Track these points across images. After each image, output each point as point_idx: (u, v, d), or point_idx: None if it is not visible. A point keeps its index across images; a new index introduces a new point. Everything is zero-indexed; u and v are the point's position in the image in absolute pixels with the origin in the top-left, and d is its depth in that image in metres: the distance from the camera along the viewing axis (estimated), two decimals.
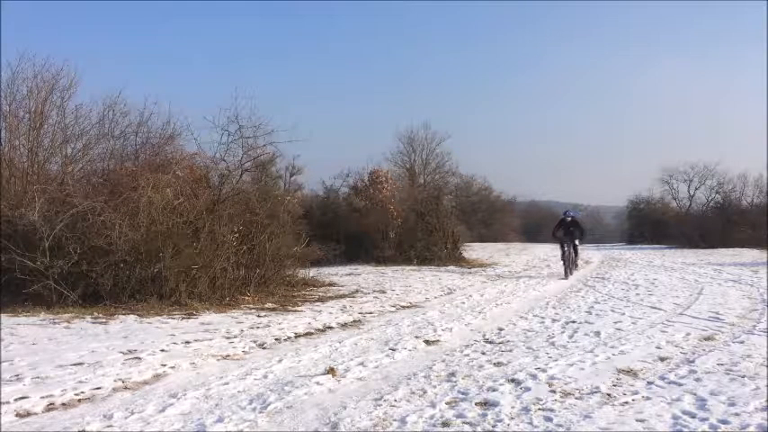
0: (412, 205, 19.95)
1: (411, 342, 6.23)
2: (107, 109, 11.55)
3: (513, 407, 3.98)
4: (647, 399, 4.16)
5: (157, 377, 4.82)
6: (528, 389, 4.41)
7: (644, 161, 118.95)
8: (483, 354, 5.70)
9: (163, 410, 3.89)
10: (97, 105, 11.54)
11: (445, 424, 3.67)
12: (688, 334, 6.57)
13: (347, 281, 12.76)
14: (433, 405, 4.02)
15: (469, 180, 42.73)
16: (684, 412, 3.85)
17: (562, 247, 13.96)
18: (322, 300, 9.71)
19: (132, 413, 3.84)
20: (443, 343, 6.29)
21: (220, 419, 3.72)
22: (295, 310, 8.51)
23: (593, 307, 8.79)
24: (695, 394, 4.24)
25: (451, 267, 16.80)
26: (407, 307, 9.08)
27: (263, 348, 6.00)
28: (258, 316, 7.95)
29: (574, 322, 7.45)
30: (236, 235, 9.84)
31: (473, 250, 22.41)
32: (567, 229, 14.25)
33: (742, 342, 6.13)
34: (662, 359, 5.38)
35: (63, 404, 4.06)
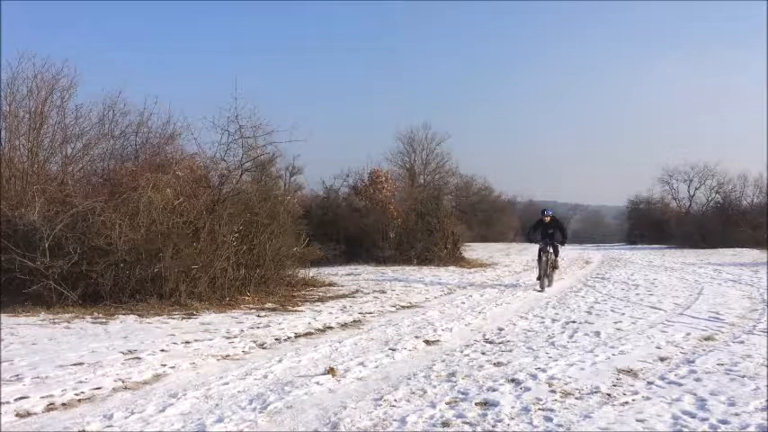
0: (412, 205, 19.94)
1: (411, 342, 6.23)
2: (107, 109, 11.57)
3: (513, 407, 3.98)
4: (647, 399, 4.16)
5: (157, 377, 4.82)
6: (528, 389, 4.41)
7: (644, 161, 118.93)
8: (483, 354, 5.70)
9: (163, 410, 3.89)
10: (97, 105, 11.56)
11: (445, 424, 3.67)
12: (688, 334, 6.57)
13: (347, 281, 12.76)
14: (433, 405, 4.02)
15: (469, 180, 42.74)
16: (684, 412, 3.85)
17: (540, 252, 11.61)
18: (322, 300, 9.71)
19: (132, 413, 3.84)
20: (443, 343, 6.29)
21: (220, 419, 3.72)
22: (295, 310, 8.51)
23: (593, 307, 8.80)
24: (695, 394, 4.24)
25: (451, 267, 16.80)
26: (407, 307, 9.08)
27: (263, 348, 5.99)
28: (258, 316, 7.95)
29: (574, 322, 7.45)
30: (236, 235, 9.84)
31: (473, 250, 22.41)
32: (545, 231, 11.95)
33: (742, 342, 6.13)
34: (662, 359, 5.38)
35: (63, 404, 4.06)
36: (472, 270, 16.29)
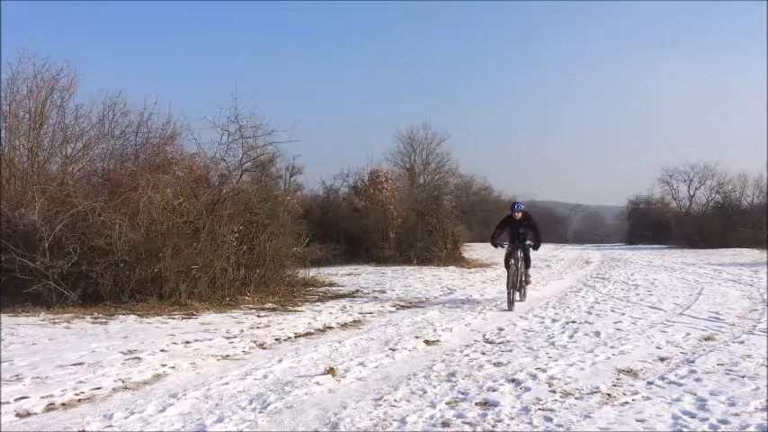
0: (412, 205, 19.92)
1: (411, 342, 6.23)
2: (107, 109, 11.54)
3: (513, 407, 3.98)
4: (647, 399, 4.17)
5: (157, 377, 4.82)
6: (528, 389, 4.41)
7: (644, 161, 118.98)
8: (483, 354, 5.70)
9: (163, 410, 3.89)
10: (97, 105, 11.53)
11: (445, 424, 3.67)
12: (688, 334, 6.57)
13: (347, 281, 12.76)
14: (433, 405, 4.02)
15: (469, 180, 42.71)
16: (684, 412, 3.85)
17: (508, 258, 9.16)
18: (322, 300, 9.71)
19: (132, 413, 3.84)
20: (443, 343, 6.29)
21: (220, 419, 3.72)
22: (295, 310, 8.51)
23: (593, 307, 8.80)
24: (695, 394, 4.24)
25: (451, 267, 16.80)
26: (407, 307, 9.08)
27: (263, 348, 6.00)
28: (258, 316, 7.95)
29: (574, 322, 7.45)
30: (236, 235, 9.84)
31: (473, 250, 22.40)
32: (515, 231, 9.42)
33: (742, 342, 6.13)
34: (662, 359, 5.39)
35: (63, 404, 4.06)
36: (472, 270, 16.28)
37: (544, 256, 23.32)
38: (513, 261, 9.08)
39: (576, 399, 4.17)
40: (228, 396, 4.25)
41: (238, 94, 10.37)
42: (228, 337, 6.41)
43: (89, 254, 8.28)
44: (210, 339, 6.27)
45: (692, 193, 41.35)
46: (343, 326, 7.36)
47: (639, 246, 35.36)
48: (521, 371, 4.95)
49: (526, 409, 3.93)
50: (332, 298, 9.93)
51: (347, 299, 9.88)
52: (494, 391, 4.37)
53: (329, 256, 15.56)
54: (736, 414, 3.81)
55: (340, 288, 11.38)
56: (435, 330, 6.96)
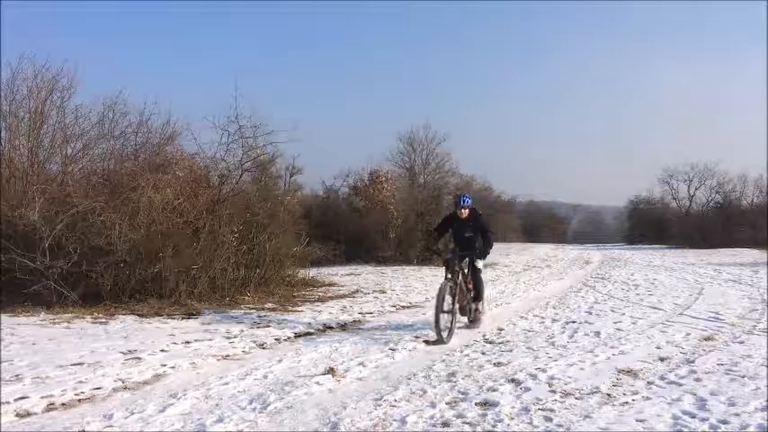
0: (412, 205, 19.93)
1: (411, 342, 6.23)
2: (107, 109, 11.54)
3: (513, 407, 3.98)
4: (647, 399, 4.16)
5: (157, 377, 4.82)
6: (528, 389, 4.41)
7: (644, 161, 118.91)
8: (483, 354, 5.70)
9: (163, 410, 3.89)
10: (97, 105, 11.53)
11: (445, 424, 3.67)
12: (688, 334, 6.57)
13: (347, 281, 12.75)
14: (433, 405, 4.02)
15: (469, 180, 42.70)
16: (684, 412, 3.85)
17: (446, 270, 6.78)
18: (322, 300, 9.71)
19: (132, 413, 3.83)
20: (443, 343, 6.28)
21: (220, 419, 3.72)
22: (295, 310, 8.51)
23: (593, 307, 8.79)
24: (695, 394, 4.24)
25: None
26: (407, 307, 9.07)
27: (263, 348, 5.99)
28: (258, 316, 7.95)
29: (574, 322, 7.44)
30: (236, 235, 9.84)
31: None
32: (459, 234, 7.19)
33: (742, 342, 6.13)
34: (662, 359, 5.38)
35: (63, 404, 4.05)
36: None
37: (544, 255, 23.33)
38: (450, 274, 6.65)
39: (576, 399, 4.17)
40: (228, 396, 4.25)
41: (238, 93, 10.34)
42: (228, 337, 6.41)
43: (89, 254, 8.28)
44: (210, 339, 6.27)
45: (692, 193, 41.43)
46: (343, 326, 7.36)
47: (639, 246, 35.40)
48: (521, 371, 4.95)
49: (526, 410, 3.92)
50: (332, 298, 9.93)
51: (347, 299, 9.88)
52: (494, 391, 4.36)
53: (329, 256, 15.57)
54: (736, 414, 3.81)
55: (340, 288, 11.38)
56: None
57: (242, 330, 6.85)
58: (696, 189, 41.13)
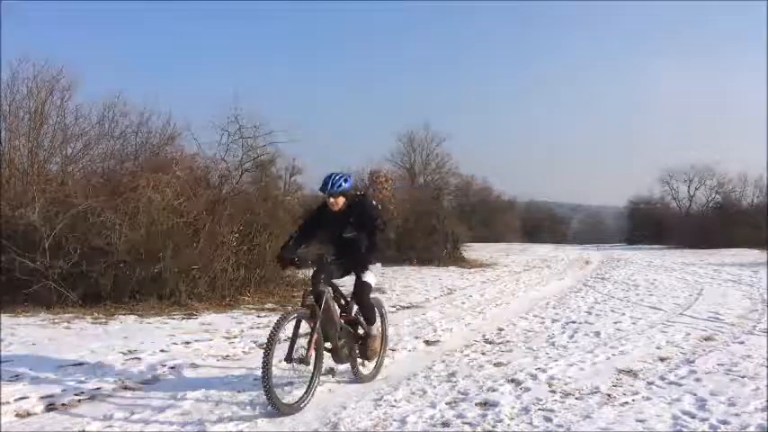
0: (412, 205, 19.93)
1: (411, 342, 6.23)
2: (107, 109, 11.54)
3: (513, 407, 3.99)
4: (647, 399, 4.17)
5: (157, 377, 4.82)
6: (528, 389, 4.41)
7: (644, 161, 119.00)
8: (483, 354, 5.70)
9: (163, 411, 3.89)
10: (97, 105, 11.53)
11: (445, 424, 3.67)
12: (688, 334, 6.58)
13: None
14: (433, 405, 4.02)
15: (469, 180, 42.75)
16: (684, 412, 3.85)
17: (314, 287, 4.43)
18: None
19: (132, 413, 3.83)
20: (443, 343, 6.29)
21: (220, 419, 3.72)
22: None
23: (593, 307, 8.80)
24: (695, 394, 4.25)
25: (451, 267, 16.79)
26: (407, 307, 9.08)
27: (264, 349, 5.98)
28: (258, 316, 7.95)
29: (574, 322, 7.44)
30: (236, 235, 9.83)
31: (473, 250, 22.39)
32: (332, 233, 4.78)
33: (742, 342, 6.13)
34: (662, 359, 5.39)
35: (63, 404, 4.05)
36: (472, 270, 16.28)
37: (544, 256, 23.33)
38: (312, 298, 4.32)
39: (576, 399, 4.18)
40: (228, 396, 4.25)
41: (238, 93, 10.37)
42: (228, 338, 6.41)
43: (89, 254, 8.27)
44: (210, 339, 6.27)
45: (692, 193, 41.44)
46: None
47: (639, 246, 35.38)
48: (521, 371, 4.95)
49: (526, 410, 3.93)
50: None
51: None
52: (494, 391, 4.37)
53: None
54: (736, 414, 3.81)
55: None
56: (435, 330, 6.96)
57: (242, 330, 6.85)
58: (696, 189, 41.16)
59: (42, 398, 4.12)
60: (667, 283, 12.15)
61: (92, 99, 11.67)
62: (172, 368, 5.07)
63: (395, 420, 3.73)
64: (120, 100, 11.62)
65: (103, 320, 7.29)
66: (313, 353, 4.09)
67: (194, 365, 5.18)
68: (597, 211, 77.13)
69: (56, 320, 7.21)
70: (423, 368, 5.11)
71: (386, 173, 22.20)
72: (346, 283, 4.68)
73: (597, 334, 6.64)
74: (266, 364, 3.84)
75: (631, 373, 4.91)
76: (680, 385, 4.50)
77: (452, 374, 4.88)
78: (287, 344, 4.07)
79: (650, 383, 4.57)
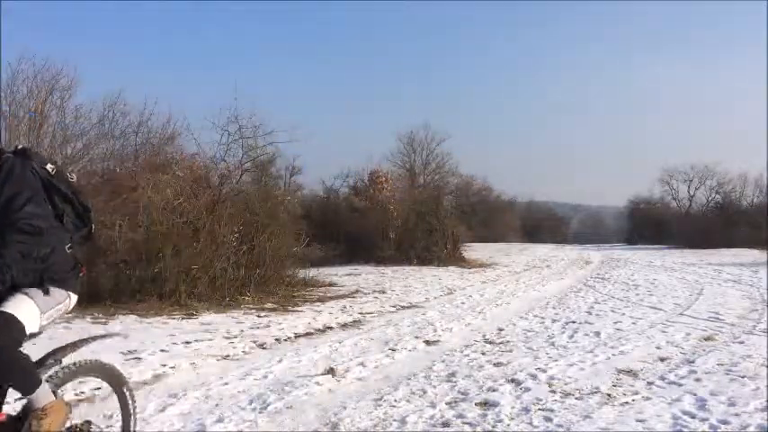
0: (412, 205, 19.93)
1: (411, 342, 6.23)
2: (107, 109, 11.59)
3: (513, 407, 3.99)
4: (647, 399, 4.17)
5: (157, 377, 4.82)
6: (528, 389, 4.41)
7: (644, 161, 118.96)
8: (483, 354, 5.70)
9: (163, 410, 3.89)
10: (97, 105, 11.57)
11: (445, 424, 3.67)
12: (688, 334, 6.57)
13: (347, 281, 12.75)
14: (433, 405, 4.02)
15: (469, 180, 42.74)
16: (684, 412, 3.85)
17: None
18: (322, 300, 9.71)
19: None
20: (443, 343, 6.29)
21: (220, 419, 3.72)
22: (295, 311, 8.51)
23: (593, 307, 8.80)
24: (695, 394, 4.24)
25: (451, 267, 16.80)
26: (407, 307, 9.08)
27: (263, 348, 5.99)
28: (258, 316, 7.95)
29: (574, 322, 7.44)
30: (236, 235, 9.84)
31: (473, 250, 22.40)
32: None
33: (742, 342, 6.13)
34: (662, 359, 5.39)
35: None
36: (472, 270, 16.28)
37: (544, 255, 23.33)
38: None
39: (576, 399, 4.18)
40: (228, 396, 4.25)
41: (238, 93, 10.39)
42: (228, 338, 6.41)
43: (89, 254, 8.28)
44: (210, 339, 6.27)
45: (692, 193, 41.44)
46: (343, 326, 7.36)
47: (639, 246, 35.36)
48: (521, 371, 4.95)
49: (526, 410, 3.93)
50: (332, 298, 9.93)
51: (347, 299, 9.88)
52: (494, 391, 4.37)
53: (329, 256, 15.59)
54: (736, 414, 3.81)
55: (340, 288, 11.38)
56: (435, 330, 6.96)
57: (242, 330, 6.85)
58: (696, 189, 41.17)
59: None
60: (667, 283, 12.15)
61: (92, 99, 11.70)
62: (172, 368, 5.07)
63: (395, 420, 3.73)
64: (121, 100, 11.66)
65: (103, 320, 7.29)
66: None
67: (194, 365, 5.18)
68: (597, 211, 77.16)
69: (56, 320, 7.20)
70: (423, 368, 5.11)
71: (386, 173, 22.21)
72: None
73: (597, 334, 6.64)
74: None
75: (631, 373, 4.91)
76: (680, 385, 4.50)
77: (452, 374, 4.88)
78: None
79: (650, 383, 4.57)
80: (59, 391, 2.52)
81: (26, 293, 2.21)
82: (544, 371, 4.93)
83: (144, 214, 8.74)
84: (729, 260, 19.62)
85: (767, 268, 15.06)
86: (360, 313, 8.32)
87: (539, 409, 3.93)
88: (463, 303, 9.43)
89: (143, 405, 4.00)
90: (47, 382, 2.39)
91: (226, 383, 4.58)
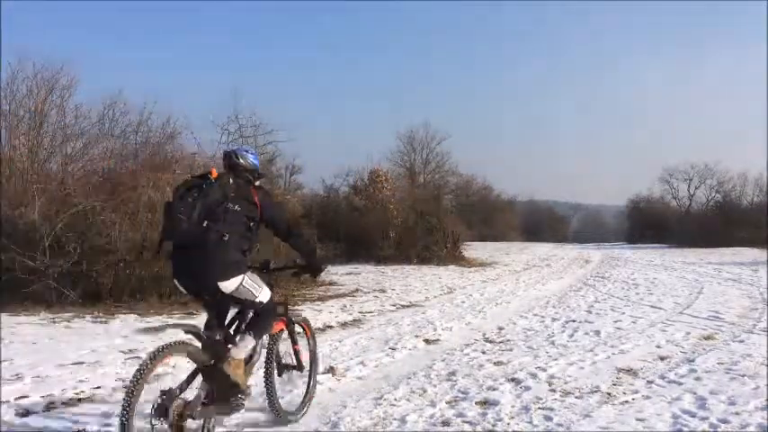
0: (412, 204, 19.93)
1: (411, 341, 6.23)
2: (107, 108, 11.62)
3: (513, 406, 3.99)
4: (647, 398, 4.17)
5: (157, 377, 4.81)
6: (528, 388, 4.41)
7: (644, 161, 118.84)
8: (483, 353, 5.70)
9: None
10: (97, 105, 11.58)
11: (445, 423, 3.67)
12: (688, 333, 6.58)
13: (347, 280, 12.75)
14: (433, 404, 4.02)
15: (469, 179, 42.76)
16: (684, 411, 3.86)
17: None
18: (322, 299, 9.71)
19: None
20: (443, 342, 6.29)
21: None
22: (295, 310, 8.50)
23: (593, 306, 8.80)
24: (695, 393, 4.25)
25: (451, 266, 16.80)
26: (407, 306, 9.08)
27: (263, 348, 5.98)
28: None
29: (574, 321, 7.44)
30: None
31: (473, 249, 22.40)
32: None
33: (742, 341, 6.13)
34: (662, 358, 5.39)
35: (63, 403, 4.05)
36: (472, 269, 16.29)
37: (544, 255, 23.33)
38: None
39: (576, 398, 4.18)
40: None
41: (238, 93, 10.38)
42: None
43: (89, 253, 8.28)
44: None
45: (692, 192, 41.49)
46: (343, 325, 7.36)
47: (640, 245, 35.35)
48: (521, 370, 4.95)
49: (526, 408, 3.93)
50: (332, 297, 9.93)
51: (347, 298, 9.88)
52: (494, 390, 4.37)
53: (329, 255, 15.55)
54: (737, 413, 3.81)
55: (340, 287, 11.38)
56: (435, 329, 6.96)
57: None
58: (696, 188, 41.23)
59: (42, 397, 4.13)
60: (667, 282, 12.15)
61: (91, 98, 11.71)
62: (172, 367, 5.07)
63: (395, 419, 3.73)
64: (121, 99, 11.66)
65: (104, 320, 7.29)
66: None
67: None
68: (597, 211, 77.17)
69: (56, 319, 7.21)
70: (423, 367, 5.11)
71: (386, 172, 22.19)
72: None
73: (597, 333, 6.64)
74: None
75: (631, 371, 4.91)
76: (680, 384, 4.50)
77: (452, 373, 4.88)
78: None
79: (650, 382, 4.57)
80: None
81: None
82: (544, 370, 4.94)
83: (144, 213, 8.73)
84: (729, 259, 19.62)
85: (767, 267, 15.06)
86: (360, 312, 8.32)
87: (539, 408, 3.93)
88: (463, 302, 9.43)
89: (143, 405, 4.00)
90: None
91: None
